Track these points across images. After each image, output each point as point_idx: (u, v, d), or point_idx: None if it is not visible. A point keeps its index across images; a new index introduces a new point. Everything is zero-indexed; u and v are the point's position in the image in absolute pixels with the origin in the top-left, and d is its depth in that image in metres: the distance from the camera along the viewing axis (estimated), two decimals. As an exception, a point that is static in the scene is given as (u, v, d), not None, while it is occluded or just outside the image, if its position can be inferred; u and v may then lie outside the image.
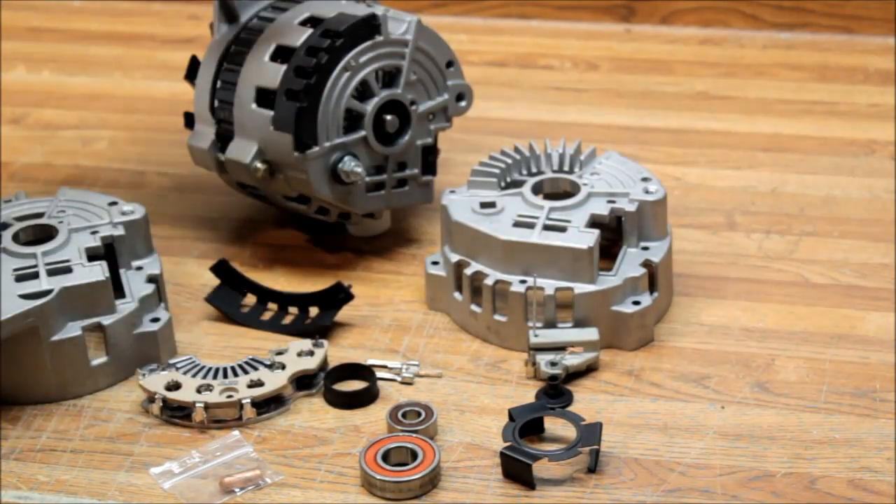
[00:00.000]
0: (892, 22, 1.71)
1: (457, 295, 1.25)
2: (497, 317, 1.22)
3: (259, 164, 1.28)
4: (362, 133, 1.29)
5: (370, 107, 1.28)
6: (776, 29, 1.75)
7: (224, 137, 1.31)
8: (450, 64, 1.33)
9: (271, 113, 1.27)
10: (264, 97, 1.28)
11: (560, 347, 1.19)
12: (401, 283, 1.32)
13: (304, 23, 1.30)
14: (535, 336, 1.19)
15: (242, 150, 1.29)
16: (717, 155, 1.51)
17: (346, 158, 1.28)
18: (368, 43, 1.27)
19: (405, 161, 1.32)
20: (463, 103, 1.35)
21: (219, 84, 1.31)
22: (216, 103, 1.31)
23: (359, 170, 1.28)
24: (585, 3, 1.78)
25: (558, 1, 1.79)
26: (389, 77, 1.30)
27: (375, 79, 1.29)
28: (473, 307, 1.24)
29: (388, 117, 1.29)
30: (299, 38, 1.28)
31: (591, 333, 1.20)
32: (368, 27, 1.28)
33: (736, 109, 1.59)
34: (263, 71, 1.28)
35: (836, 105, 1.59)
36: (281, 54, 1.29)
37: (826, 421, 1.14)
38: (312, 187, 1.28)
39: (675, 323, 1.25)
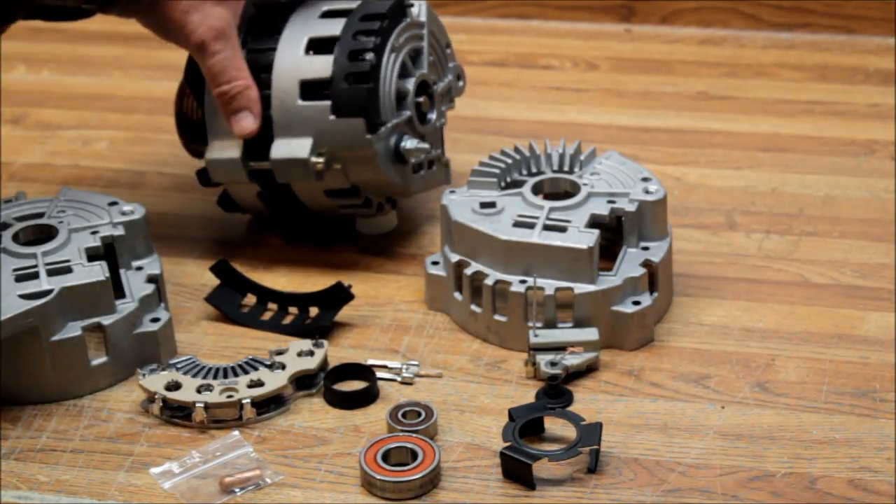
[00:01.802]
0: (892, 22, 1.71)
1: (457, 295, 1.25)
2: (497, 317, 1.22)
3: (317, 158, 1.27)
4: (408, 113, 1.30)
5: (411, 86, 1.30)
6: (776, 29, 1.75)
7: (252, 143, 1.29)
8: (448, 45, 1.36)
9: (326, 103, 1.26)
10: (311, 90, 1.27)
11: (560, 347, 1.19)
12: (401, 283, 1.32)
13: (325, 15, 1.30)
14: (535, 336, 1.19)
15: (295, 148, 1.27)
16: (717, 155, 1.51)
17: (405, 137, 1.30)
18: (402, 24, 1.29)
19: (431, 142, 1.34)
20: (461, 83, 1.38)
21: None
22: None
23: (424, 146, 1.30)
24: (585, 3, 1.78)
25: (558, 1, 1.79)
26: (413, 58, 1.32)
27: (409, 59, 1.31)
28: (473, 307, 1.24)
29: (422, 97, 1.32)
30: (333, 27, 1.28)
31: (591, 333, 1.20)
32: (400, 9, 1.30)
33: (736, 109, 1.59)
34: (304, 64, 1.28)
35: (836, 105, 1.59)
36: (316, 46, 1.28)
37: (826, 421, 1.14)
38: (380, 169, 1.28)
39: (675, 323, 1.25)
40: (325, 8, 1.31)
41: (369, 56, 1.26)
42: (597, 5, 1.78)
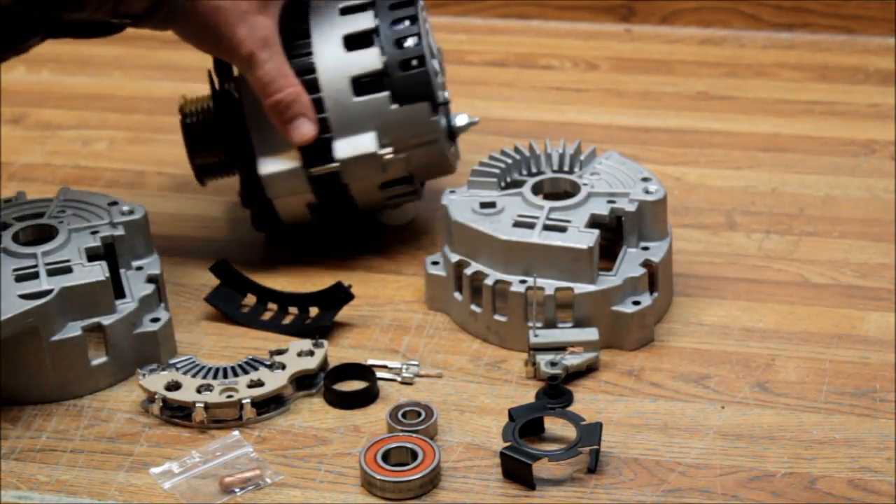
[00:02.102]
0: (892, 22, 1.71)
1: (457, 295, 1.25)
2: (497, 317, 1.22)
3: (384, 149, 1.28)
4: (448, 91, 1.32)
5: (437, 65, 1.32)
6: (776, 29, 1.75)
7: (307, 150, 1.28)
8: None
9: (384, 94, 1.27)
10: (364, 85, 1.27)
11: (560, 347, 1.19)
12: (401, 283, 1.32)
13: (345, 11, 1.30)
14: (535, 336, 1.19)
15: (361, 144, 1.28)
16: (717, 155, 1.51)
17: (452, 115, 1.32)
18: (420, 5, 1.31)
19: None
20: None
21: None
22: None
23: (474, 119, 1.33)
24: (585, 3, 1.78)
25: (558, 1, 1.79)
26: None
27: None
28: (473, 307, 1.24)
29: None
30: (363, 21, 1.29)
31: (591, 333, 1.20)
32: None
33: (736, 109, 1.59)
34: (350, 61, 1.28)
35: (836, 105, 1.59)
36: (353, 42, 1.28)
37: (826, 421, 1.14)
38: (444, 150, 1.30)
39: (675, 323, 1.25)
40: (342, 5, 1.30)
41: (414, 41, 1.27)
42: (597, 5, 1.78)
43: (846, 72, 1.66)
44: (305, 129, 1.26)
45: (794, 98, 1.61)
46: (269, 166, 1.29)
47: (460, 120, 1.33)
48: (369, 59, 1.27)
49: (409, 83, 1.27)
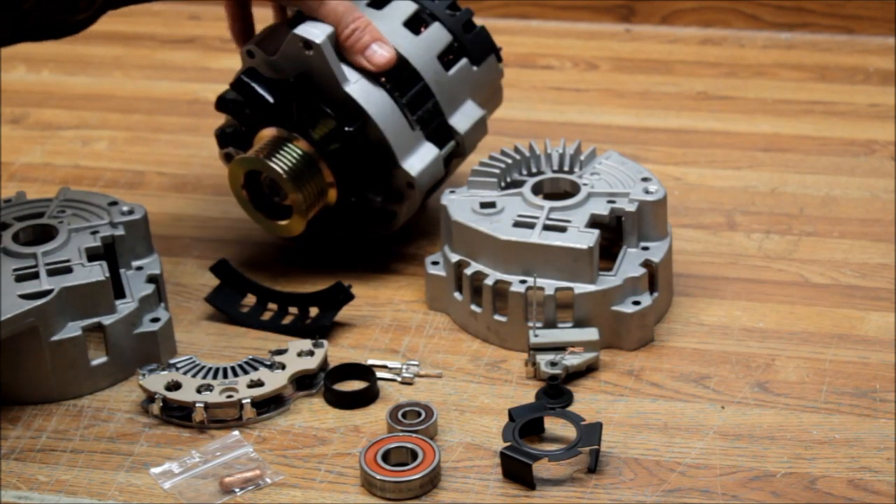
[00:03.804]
0: (892, 22, 1.71)
1: (457, 295, 1.25)
2: (497, 317, 1.22)
3: (483, 111, 1.35)
4: None
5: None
6: (776, 29, 1.75)
7: (433, 137, 1.31)
8: None
9: (463, 60, 1.32)
10: (446, 60, 1.31)
11: (560, 347, 1.19)
12: (401, 283, 1.32)
13: (373, 5, 1.31)
14: (535, 336, 1.19)
15: (471, 112, 1.33)
16: (717, 155, 1.51)
17: None
18: None
19: None
20: None
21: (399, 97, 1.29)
22: (412, 115, 1.30)
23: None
24: (585, 3, 1.78)
25: (558, 1, 1.79)
26: None
27: None
28: (473, 307, 1.24)
29: None
30: (406, 7, 1.31)
31: (591, 333, 1.20)
32: None
33: (736, 109, 1.59)
34: (427, 42, 1.31)
35: (836, 105, 1.59)
36: (413, 25, 1.31)
37: (826, 421, 1.14)
38: (501, 86, 1.38)
39: (675, 323, 1.25)
40: (363, 3, 1.31)
41: (454, 8, 1.33)
42: (597, 5, 1.78)
43: (846, 72, 1.66)
44: (383, 52, 1.27)
45: (794, 98, 1.61)
46: (416, 163, 1.30)
47: None
48: (439, 34, 1.31)
49: (476, 42, 1.33)
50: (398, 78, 1.28)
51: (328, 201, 1.29)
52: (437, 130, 1.31)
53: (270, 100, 1.27)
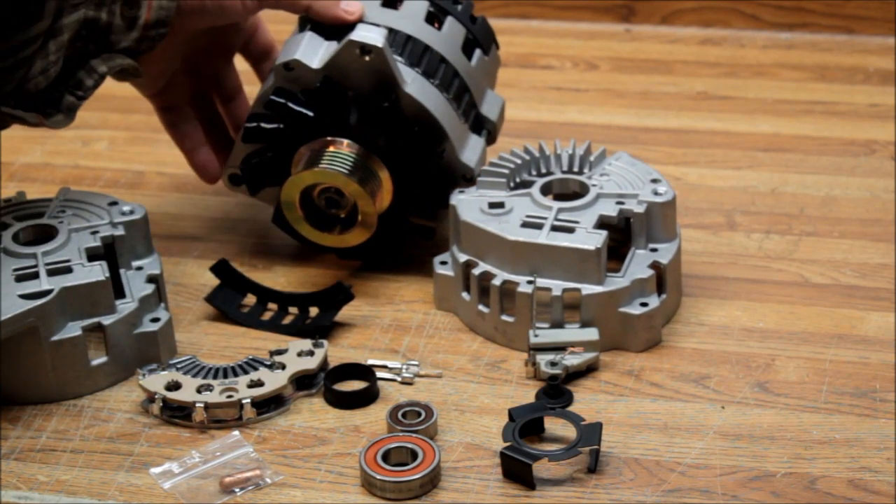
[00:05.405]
0: (892, 22, 1.71)
1: (465, 295, 1.25)
2: (504, 317, 1.22)
3: (501, 97, 1.39)
4: None
5: None
6: (776, 29, 1.75)
7: (475, 129, 1.34)
8: None
9: (478, 51, 1.35)
10: (468, 50, 1.34)
11: (560, 347, 1.19)
12: (401, 283, 1.32)
13: (387, 4, 1.31)
14: (535, 336, 1.19)
15: (494, 101, 1.38)
16: (717, 155, 1.51)
17: None
18: None
19: None
20: None
21: (448, 94, 1.30)
22: (459, 109, 1.30)
23: None
24: (585, 3, 1.78)
25: (558, 1, 1.79)
26: None
27: None
28: (481, 307, 1.24)
29: None
30: (422, 4, 1.32)
31: (590, 333, 1.20)
32: None
33: (736, 109, 1.59)
34: (450, 36, 1.32)
35: (836, 105, 1.59)
36: (429, 21, 1.32)
37: (826, 421, 1.14)
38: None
39: (676, 323, 1.25)
40: (377, 4, 1.31)
41: (456, 1, 1.35)
42: (597, 5, 1.78)
43: (846, 72, 1.66)
44: (355, 5, 1.27)
45: (794, 98, 1.61)
46: (471, 157, 1.31)
47: None
48: (456, 28, 1.33)
49: (483, 32, 1.36)
50: (443, 75, 1.29)
51: (383, 206, 1.27)
52: (475, 121, 1.33)
53: (310, 113, 1.25)
